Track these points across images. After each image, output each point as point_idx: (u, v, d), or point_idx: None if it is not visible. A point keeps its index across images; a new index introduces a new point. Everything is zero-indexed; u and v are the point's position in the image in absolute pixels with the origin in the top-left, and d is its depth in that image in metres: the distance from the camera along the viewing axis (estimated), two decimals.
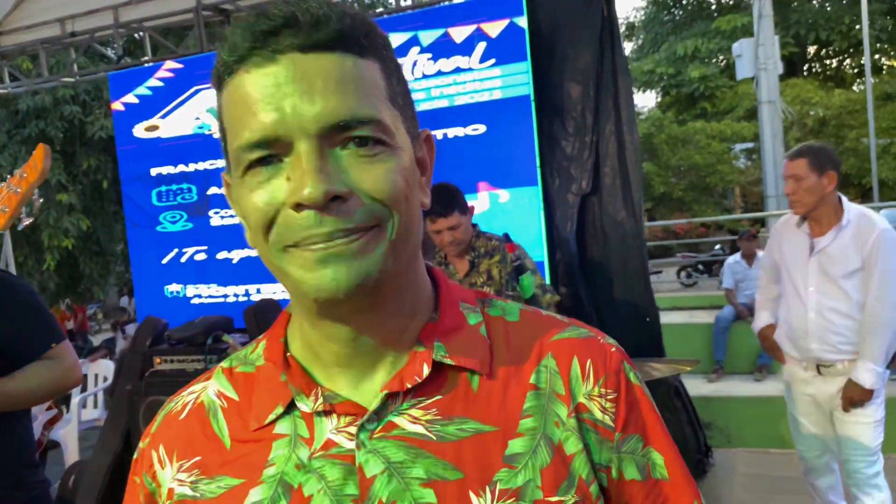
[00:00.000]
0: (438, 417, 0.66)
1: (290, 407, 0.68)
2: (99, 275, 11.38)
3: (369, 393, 0.67)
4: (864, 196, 16.99)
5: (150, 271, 5.60)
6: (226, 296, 5.36)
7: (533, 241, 4.33)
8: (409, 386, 0.66)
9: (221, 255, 5.35)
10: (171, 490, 0.70)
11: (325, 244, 0.59)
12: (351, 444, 0.65)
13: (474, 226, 2.83)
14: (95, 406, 5.80)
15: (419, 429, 0.65)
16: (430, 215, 2.66)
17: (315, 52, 0.59)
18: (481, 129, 4.51)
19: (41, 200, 1.59)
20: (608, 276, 4.35)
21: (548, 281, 4.29)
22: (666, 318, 6.26)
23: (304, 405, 0.67)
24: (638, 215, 4.31)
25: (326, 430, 0.66)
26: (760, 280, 3.33)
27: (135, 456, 0.76)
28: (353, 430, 0.65)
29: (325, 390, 0.67)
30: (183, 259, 5.48)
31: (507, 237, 2.10)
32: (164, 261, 5.51)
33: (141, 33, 6.08)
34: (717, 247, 14.76)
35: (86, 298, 13.69)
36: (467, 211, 2.73)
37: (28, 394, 1.86)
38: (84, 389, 5.73)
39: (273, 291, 5.15)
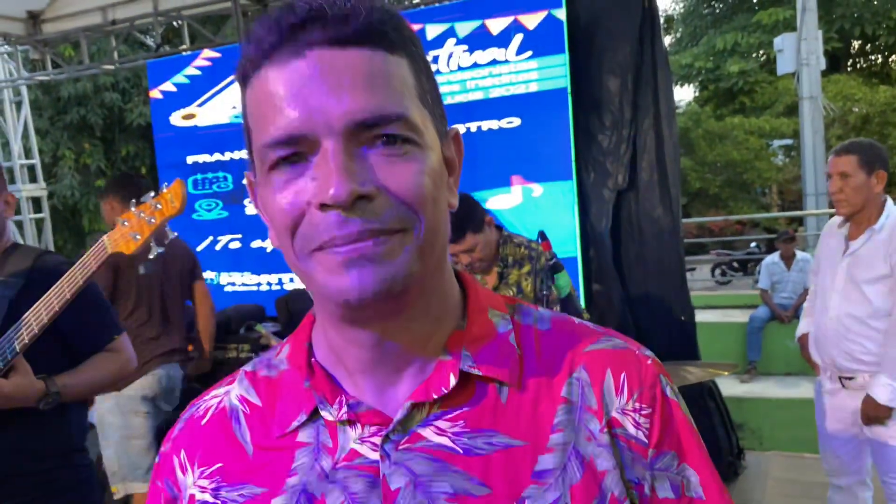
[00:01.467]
0: (466, 430, 0.64)
1: (314, 414, 0.67)
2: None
3: (394, 402, 0.65)
4: None
5: None
6: (259, 284, 5.41)
7: (567, 236, 4.29)
8: (436, 396, 0.64)
9: (256, 243, 5.39)
10: (192, 496, 0.69)
11: (351, 246, 0.57)
12: (375, 455, 0.63)
13: (500, 228, 2.65)
14: None
15: (445, 441, 0.63)
16: None
17: (343, 48, 0.58)
18: (516, 122, 4.47)
19: (175, 234, 1.65)
20: (643, 273, 4.29)
21: (581, 280, 4.24)
22: (699, 316, 6.14)
23: (328, 413, 0.65)
24: (675, 212, 4.23)
25: (350, 439, 0.65)
26: (810, 284, 3.13)
27: (156, 460, 0.75)
28: (377, 440, 0.64)
29: (350, 398, 0.66)
30: (217, 247, 5.54)
31: (542, 235, 2.03)
32: (199, 248, 5.57)
33: (179, 21, 6.13)
34: (753, 245, 14.50)
35: None
36: (483, 227, 2.53)
37: (95, 384, 1.95)
38: None
39: None
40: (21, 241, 3.83)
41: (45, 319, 1.68)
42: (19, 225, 7.57)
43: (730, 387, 5.54)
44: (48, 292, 1.69)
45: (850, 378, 2.73)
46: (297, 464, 0.66)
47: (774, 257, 6.57)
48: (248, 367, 0.75)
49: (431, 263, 0.63)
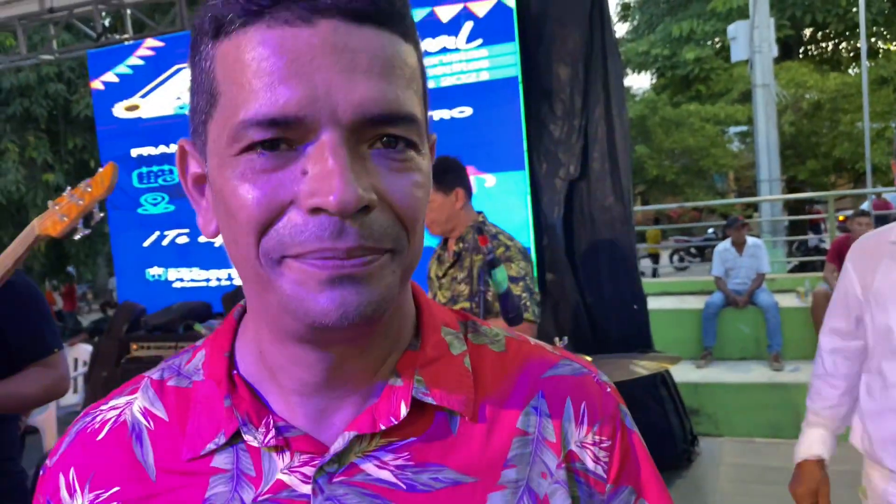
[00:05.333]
0: (410, 463, 0.57)
1: (234, 437, 0.58)
2: (85, 255, 11.29)
3: (332, 428, 0.57)
4: (857, 181, 16.97)
5: (131, 254, 5.51)
6: (208, 280, 5.27)
7: (519, 226, 4.26)
8: (384, 428, 0.56)
9: (204, 238, 5.25)
10: None
11: (338, 262, 0.48)
12: (305, 489, 0.55)
13: (479, 213, 2.58)
14: (75, 391, 5.71)
15: (387, 475, 0.56)
16: None
17: (358, 24, 0.49)
18: (468, 111, 4.41)
19: (101, 215, 1.68)
20: (595, 262, 4.28)
21: (534, 270, 4.21)
22: (657, 303, 6.22)
23: (252, 437, 0.57)
24: (626, 201, 4.23)
25: (277, 468, 0.56)
26: (823, 349, 1.87)
27: (40, 473, 0.65)
28: (309, 471, 0.56)
29: (279, 420, 0.57)
30: (164, 242, 5.39)
31: (478, 229, 1.98)
32: (146, 244, 5.42)
33: (122, 10, 5.93)
34: (710, 231, 14.73)
35: (74, 279, 13.62)
36: (452, 192, 2.43)
37: (22, 399, 1.91)
38: None
39: None
40: None
41: None
42: None
43: (685, 372, 5.60)
44: None
45: None
46: (211, 493, 0.57)
47: (726, 244, 6.63)
48: (153, 374, 0.65)
49: (407, 285, 0.57)
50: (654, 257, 14.60)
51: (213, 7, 0.50)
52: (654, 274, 12.47)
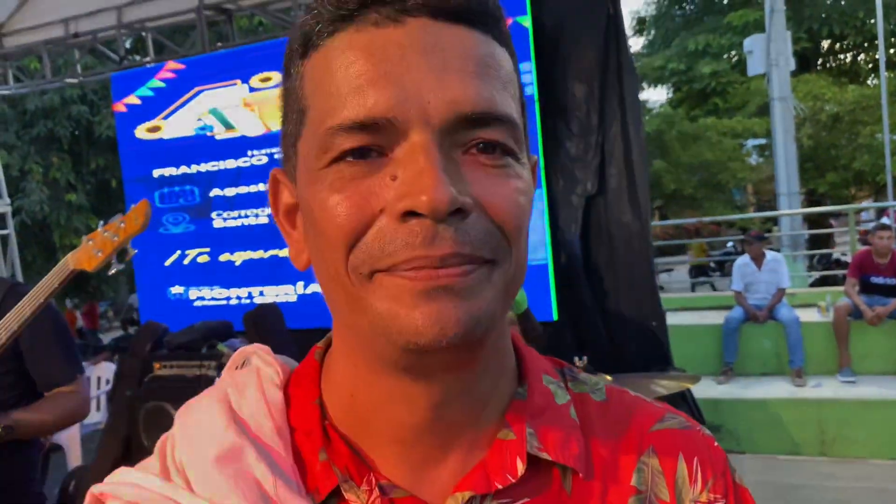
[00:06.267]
0: None
1: (330, 497, 0.52)
2: (107, 273, 11.44)
3: (436, 486, 0.52)
4: (878, 193, 16.78)
5: (152, 273, 5.58)
6: (228, 298, 5.33)
7: (537, 243, 4.27)
8: (500, 487, 0.51)
9: (224, 257, 5.32)
10: None
11: (432, 271, 0.44)
12: None
13: None
14: (98, 409, 5.77)
15: None
16: None
17: (450, 23, 0.47)
18: None
19: (135, 252, 1.73)
20: (614, 279, 4.28)
21: (552, 286, 4.22)
22: (676, 318, 6.17)
23: (354, 496, 0.51)
24: (644, 217, 4.23)
25: None
26: None
27: None
28: None
29: (381, 478, 0.52)
30: (186, 261, 5.46)
31: None
32: (167, 263, 5.49)
33: (144, 33, 6.05)
34: (730, 244, 14.63)
35: (96, 296, 13.78)
36: None
37: (43, 424, 1.95)
38: None
39: (276, 294, 5.11)
40: None
41: (4, 338, 1.67)
42: None
43: (706, 388, 5.54)
44: (8, 314, 1.68)
45: None
46: None
47: (745, 258, 6.57)
48: None
49: (507, 307, 0.52)
50: (699, 269, 14.25)
51: (303, 24, 0.49)
52: (715, 287, 12.30)
